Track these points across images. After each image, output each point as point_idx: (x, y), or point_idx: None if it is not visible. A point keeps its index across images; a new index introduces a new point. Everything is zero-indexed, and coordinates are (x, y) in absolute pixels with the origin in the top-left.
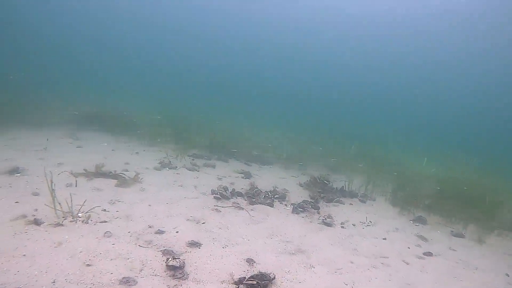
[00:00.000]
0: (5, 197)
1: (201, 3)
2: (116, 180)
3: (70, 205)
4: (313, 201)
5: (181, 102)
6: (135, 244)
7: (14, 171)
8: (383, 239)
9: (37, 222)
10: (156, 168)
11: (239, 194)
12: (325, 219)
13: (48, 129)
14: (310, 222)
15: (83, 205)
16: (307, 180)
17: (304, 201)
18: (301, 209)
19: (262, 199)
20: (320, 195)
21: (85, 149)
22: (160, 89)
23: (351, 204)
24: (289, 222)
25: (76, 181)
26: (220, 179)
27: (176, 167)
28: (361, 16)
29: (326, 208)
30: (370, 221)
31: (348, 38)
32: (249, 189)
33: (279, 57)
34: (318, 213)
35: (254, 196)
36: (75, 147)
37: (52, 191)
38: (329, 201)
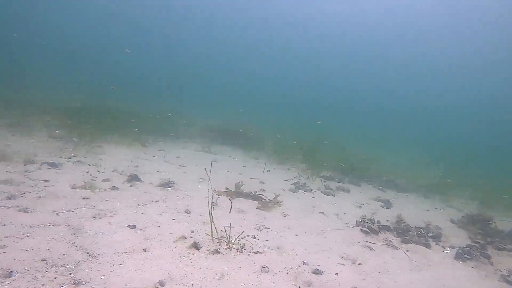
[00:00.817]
0: (163, 212)
1: None
2: (256, 202)
3: (226, 232)
4: (478, 246)
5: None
6: (295, 285)
7: (166, 184)
8: None
9: (196, 246)
10: (291, 190)
11: (387, 229)
12: (508, 275)
13: (184, 141)
14: (485, 276)
15: (230, 228)
16: (461, 217)
17: (468, 246)
18: (467, 256)
19: (415, 238)
20: (486, 239)
21: (220, 164)
22: (289, 109)
23: None
24: (457, 272)
25: (218, 197)
26: (359, 207)
27: (311, 190)
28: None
29: (498, 258)
30: None
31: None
32: (397, 223)
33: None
34: (491, 264)
35: (404, 233)
36: (211, 161)
37: (211, 215)
38: (499, 248)
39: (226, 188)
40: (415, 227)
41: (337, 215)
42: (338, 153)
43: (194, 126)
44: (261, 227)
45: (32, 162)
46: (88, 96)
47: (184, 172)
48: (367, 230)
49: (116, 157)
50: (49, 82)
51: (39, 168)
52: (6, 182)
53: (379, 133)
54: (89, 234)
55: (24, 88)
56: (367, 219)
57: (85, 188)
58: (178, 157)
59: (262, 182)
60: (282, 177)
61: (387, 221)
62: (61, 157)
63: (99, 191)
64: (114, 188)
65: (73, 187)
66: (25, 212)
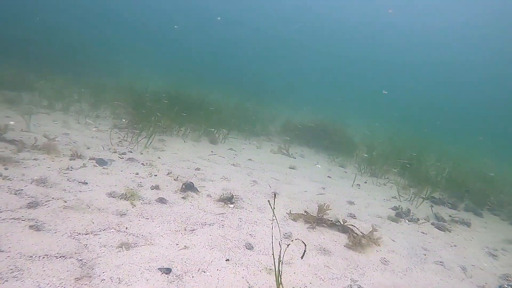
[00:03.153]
0: (216, 245)
1: None
2: (344, 235)
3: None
4: None
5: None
6: None
7: (228, 199)
8: None
9: None
10: (391, 219)
11: None
12: None
13: (260, 139)
14: None
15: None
16: None
17: None
18: None
19: None
20: None
21: (299, 171)
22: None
23: None
24: None
25: (292, 220)
26: (493, 255)
27: (417, 219)
28: None
29: None
30: None
31: None
32: None
33: None
34: None
35: None
36: (287, 168)
37: (278, 262)
38: None
39: (305, 211)
40: None
41: (463, 268)
42: (447, 167)
43: (274, 122)
44: (353, 285)
45: (80, 157)
46: (168, 83)
47: (254, 181)
48: None
49: (177, 155)
50: (132, 68)
51: (83, 165)
52: (39, 182)
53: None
54: (101, 280)
55: (110, 74)
56: None
57: (125, 198)
58: (249, 159)
59: (351, 203)
60: (377, 195)
61: None
62: (114, 152)
63: (141, 203)
64: (161, 201)
65: (111, 194)
66: (36, 230)
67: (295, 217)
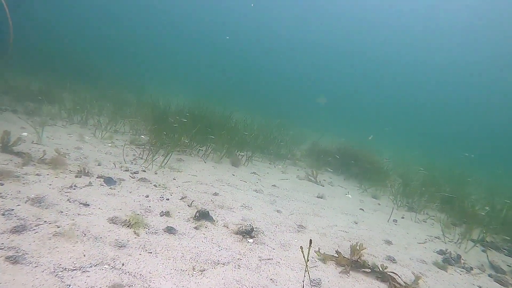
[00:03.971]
0: None
1: None
2: (384, 285)
3: None
4: None
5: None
6: None
7: (247, 232)
8: None
9: None
10: (438, 265)
11: None
12: None
13: (285, 163)
14: None
15: None
16: None
17: None
18: None
19: None
20: None
21: (328, 201)
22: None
23: None
24: None
25: (321, 262)
26: None
27: (470, 268)
28: None
29: None
30: None
31: None
32: None
33: None
34: None
35: None
36: (315, 197)
37: None
38: None
39: (336, 251)
40: None
41: None
42: (499, 203)
43: (299, 144)
44: None
45: (87, 174)
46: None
47: (278, 211)
48: None
49: (195, 177)
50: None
51: (89, 184)
52: (35, 201)
53: None
54: None
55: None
56: None
57: (129, 225)
58: (274, 185)
59: (389, 242)
60: (417, 234)
61: None
62: (126, 170)
63: (146, 232)
64: (170, 230)
65: (113, 220)
66: (13, 263)
67: (324, 258)
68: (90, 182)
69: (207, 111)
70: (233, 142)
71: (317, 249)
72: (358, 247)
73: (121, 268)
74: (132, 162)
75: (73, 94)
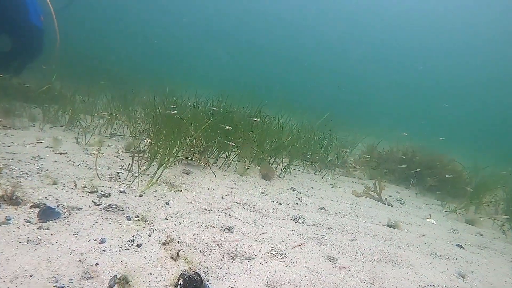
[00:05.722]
0: None
1: None
2: None
3: None
4: None
5: None
6: None
7: None
8: None
9: None
10: None
11: None
12: None
13: (336, 172)
14: None
15: None
16: None
17: None
18: None
19: None
20: None
21: (406, 235)
22: None
23: None
24: None
25: None
26: None
27: None
28: None
29: None
30: None
31: None
32: None
33: None
34: None
35: None
36: (384, 226)
37: None
38: None
39: None
40: None
41: None
42: None
43: (353, 148)
44: None
45: (14, 202)
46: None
47: (331, 258)
48: None
49: (203, 199)
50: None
51: (4, 221)
52: None
53: None
54: None
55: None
56: None
57: None
58: (321, 208)
59: None
60: (505, 274)
61: None
62: (92, 192)
63: None
64: None
65: None
66: None
67: None
68: (7, 217)
69: (231, 107)
70: (265, 146)
71: None
72: None
73: None
74: (111, 178)
75: (87, 96)
